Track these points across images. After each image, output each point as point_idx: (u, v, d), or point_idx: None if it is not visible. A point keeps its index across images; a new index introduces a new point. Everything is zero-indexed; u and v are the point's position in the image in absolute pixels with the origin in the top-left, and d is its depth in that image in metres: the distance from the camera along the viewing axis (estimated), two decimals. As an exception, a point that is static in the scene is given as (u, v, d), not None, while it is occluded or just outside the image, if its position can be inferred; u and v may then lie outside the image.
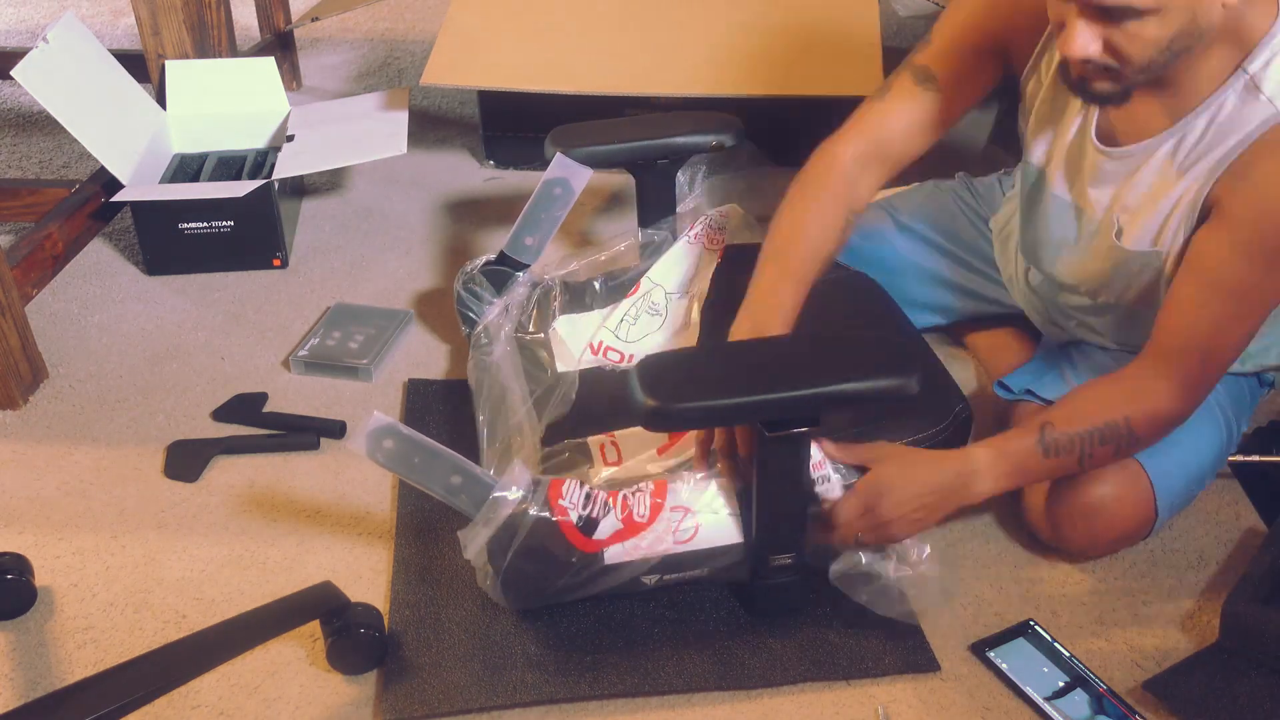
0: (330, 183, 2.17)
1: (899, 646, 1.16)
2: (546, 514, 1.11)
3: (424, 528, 1.32)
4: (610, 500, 1.13)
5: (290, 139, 1.99)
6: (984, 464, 1.14)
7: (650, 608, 1.20)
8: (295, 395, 1.57)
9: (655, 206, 1.58)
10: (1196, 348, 1.13)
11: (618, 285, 1.53)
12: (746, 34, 2.02)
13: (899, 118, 1.29)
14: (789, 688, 1.13)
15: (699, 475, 1.16)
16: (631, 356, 1.46)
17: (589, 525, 1.12)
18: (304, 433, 1.48)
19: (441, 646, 1.16)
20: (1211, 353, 1.13)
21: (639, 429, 1.21)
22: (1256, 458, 1.37)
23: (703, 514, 1.14)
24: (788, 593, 1.18)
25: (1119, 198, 1.20)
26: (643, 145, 1.55)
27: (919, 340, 1.43)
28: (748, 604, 1.20)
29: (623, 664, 1.14)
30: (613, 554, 1.12)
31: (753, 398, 1.06)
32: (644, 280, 1.50)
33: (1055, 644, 1.16)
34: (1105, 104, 1.14)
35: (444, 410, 1.53)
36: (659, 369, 1.09)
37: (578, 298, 1.53)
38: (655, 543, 1.13)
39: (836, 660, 1.15)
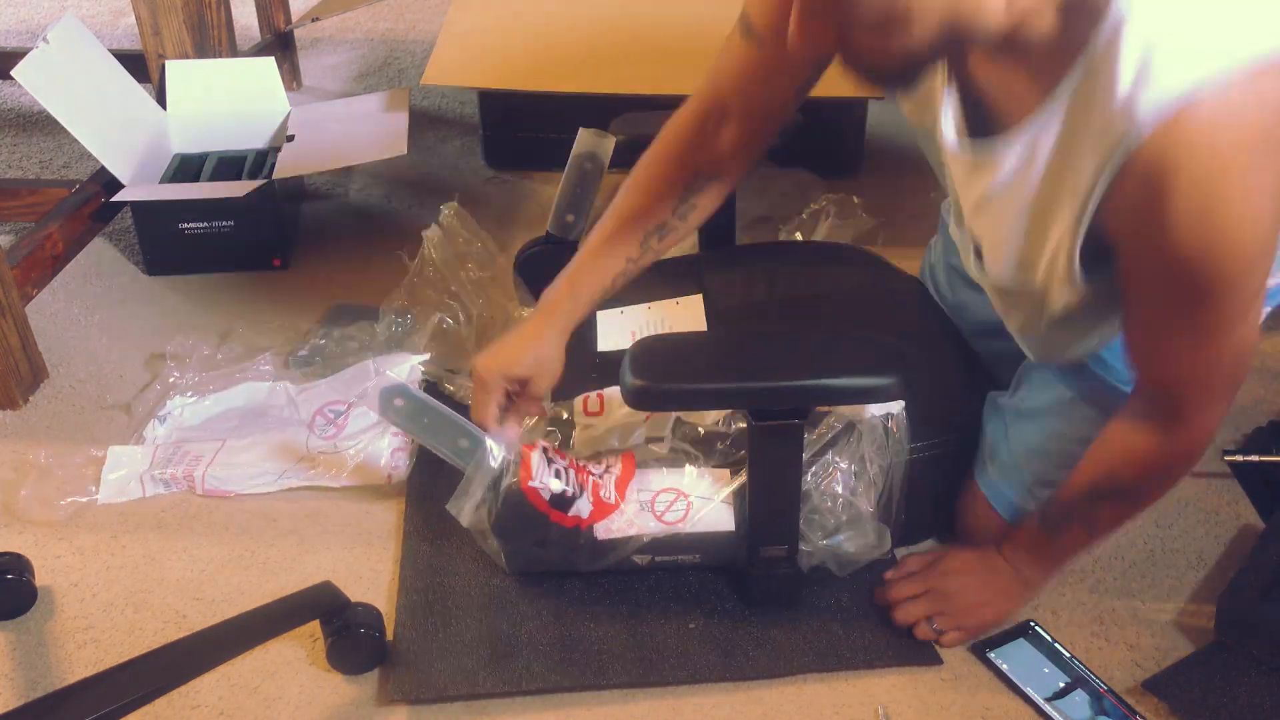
0: (330, 183, 2.17)
1: (902, 640, 1.17)
2: (518, 489, 1.15)
3: (432, 519, 1.32)
4: (580, 481, 1.16)
5: (290, 139, 1.99)
6: (1020, 566, 1.16)
7: (655, 599, 1.21)
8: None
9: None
10: (1176, 383, 1.01)
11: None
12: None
13: (728, 69, 1.17)
14: (791, 688, 1.13)
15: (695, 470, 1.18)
16: None
17: (563, 503, 1.15)
18: (304, 433, 1.48)
19: (449, 633, 1.17)
20: (1199, 380, 1.00)
21: None
22: (1256, 457, 1.37)
23: (694, 498, 1.16)
24: (780, 585, 1.18)
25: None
26: None
27: (947, 347, 1.39)
28: (742, 592, 1.21)
29: (627, 655, 1.15)
30: (596, 530, 1.16)
31: (736, 385, 1.09)
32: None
33: (1055, 644, 1.16)
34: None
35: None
36: (651, 350, 1.12)
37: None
38: (627, 526, 1.15)
39: (840, 653, 1.15)
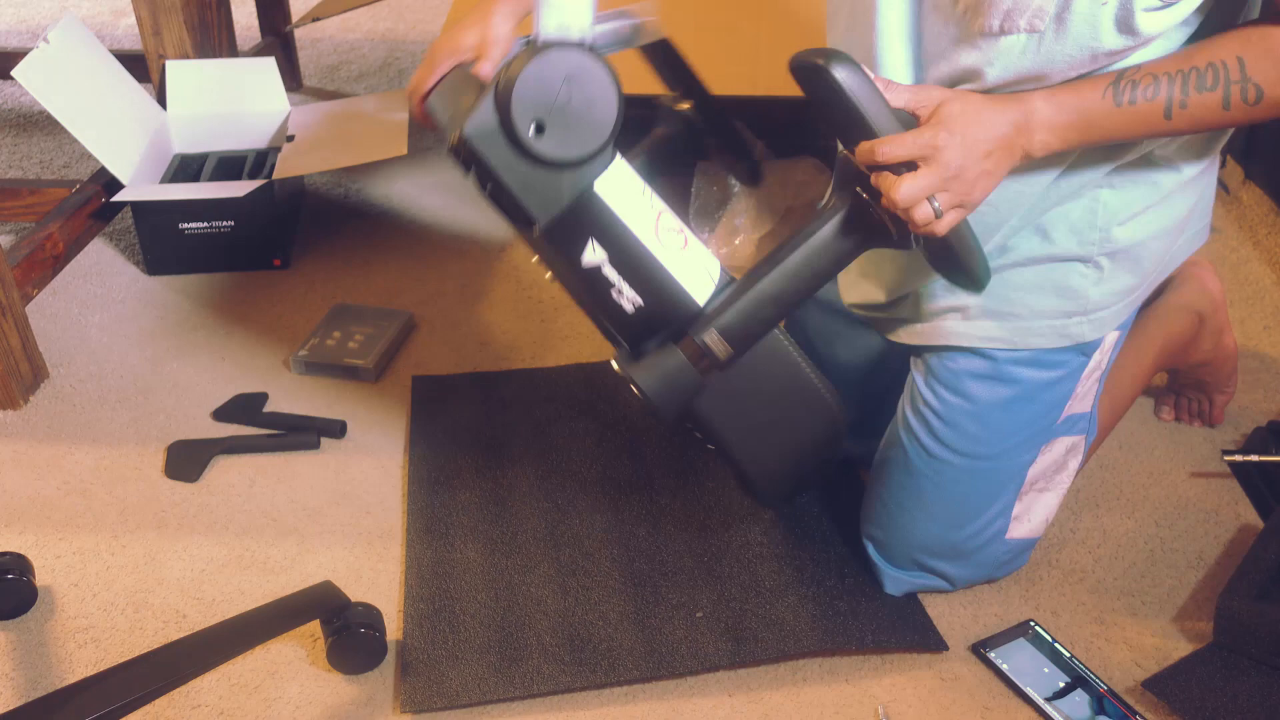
0: (330, 183, 2.17)
1: (906, 623, 1.18)
2: None
3: (434, 523, 1.32)
4: None
5: (290, 139, 1.99)
6: (1043, 115, 0.96)
7: (661, 592, 1.22)
8: (295, 395, 1.57)
9: None
10: None
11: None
12: (744, 34, 2.02)
13: None
14: (791, 688, 1.13)
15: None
16: None
17: None
18: (304, 433, 1.48)
19: (457, 640, 1.17)
20: None
21: None
22: (1255, 457, 1.37)
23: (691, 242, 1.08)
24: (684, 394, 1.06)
25: None
26: None
27: None
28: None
29: (637, 650, 1.15)
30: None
31: None
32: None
33: (1055, 644, 1.16)
34: None
35: (452, 404, 1.53)
36: None
37: None
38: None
39: (848, 630, 1.16)
